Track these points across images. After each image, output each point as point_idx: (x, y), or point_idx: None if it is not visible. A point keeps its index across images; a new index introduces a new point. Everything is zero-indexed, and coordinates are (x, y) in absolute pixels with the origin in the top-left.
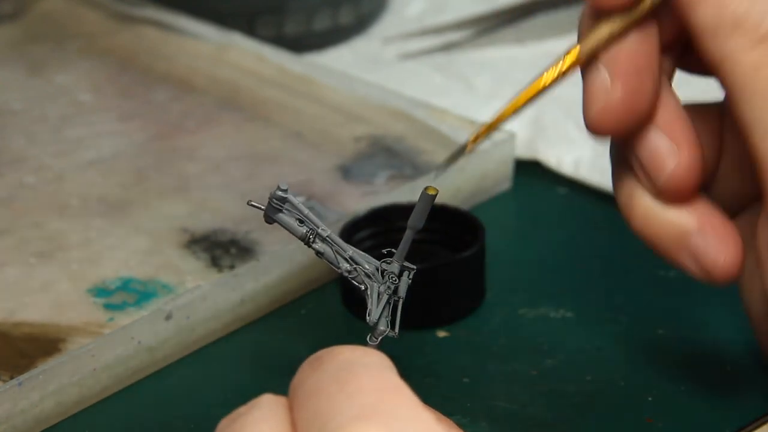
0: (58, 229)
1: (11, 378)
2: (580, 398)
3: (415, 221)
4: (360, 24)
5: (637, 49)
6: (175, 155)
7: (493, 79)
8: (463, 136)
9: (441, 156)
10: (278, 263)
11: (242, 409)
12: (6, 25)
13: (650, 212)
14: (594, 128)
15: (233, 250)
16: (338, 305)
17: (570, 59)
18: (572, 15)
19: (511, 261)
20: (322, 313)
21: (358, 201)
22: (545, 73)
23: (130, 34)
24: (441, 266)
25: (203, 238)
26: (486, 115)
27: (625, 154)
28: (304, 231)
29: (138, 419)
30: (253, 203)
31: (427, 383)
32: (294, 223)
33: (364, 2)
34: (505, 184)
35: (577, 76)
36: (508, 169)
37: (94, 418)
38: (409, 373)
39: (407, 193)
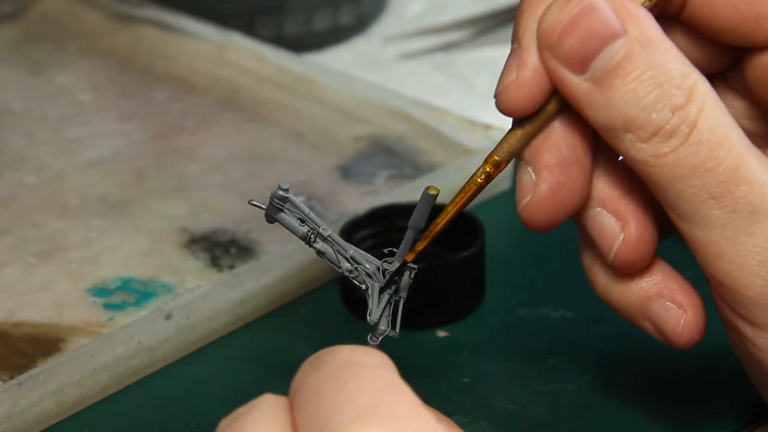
0: (58, 229)
1: (11, 378)
2: (580, 398)
3: (416, 221)
4: (360, 24)
5: (560, 142)
6: (175, 155)
7: (493, 79)
8: (463, 136)
9: (441, 156)
10: (278, 263)
11: (242, 409)
12: (6, 25)
13: (609, 282)
14: (525, 222)
15: (233, 250)
16: (338, 305)
17: (490, 165)
18: None
19: (511, 261)
20: (322, 313)
21: (358, 201)
22: (470, 181)
23: (130, 34)
24: (441, 266)
25: (203, 238)
26: (485, 115)
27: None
28: (305, 230)
29: (138, 419)
30: (254, 203)
31: (427, 383)
32: (295, 223)
33: (364, 2)
34: (505, 184)
35: None
36: (508, 169)
37: (94, 418)
38: (409, 373)
39: (407, 193)
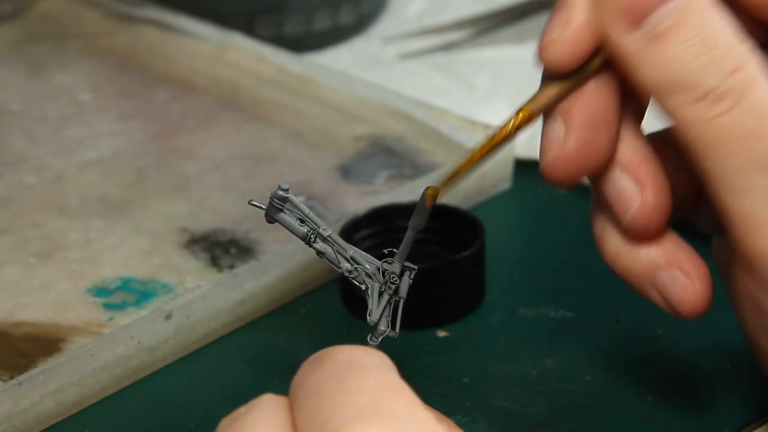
0: (58, 229)
1: (11, 378)
2: (580, 398)
3: (417, 222)
4: (360, 24)
5: (592, 100)
6: (175, 155)
7: (493, 79)
8: (463, 135)
9: (441, 156)
10: (278, 263)
11: (242, 409)
12: (6, 25)
13: (619, 248)
14: (548, 177)
15: (233, 250)
16: (338, 305)
17: (522, 116)
18: None
19: (511, 261)
20: (322, 313)
21: (358, 201)
22: (499, 130)
23: (130, 34)
24: (441, 266)
25: (203, 237)
26: (485, 115)
27: (595, 191)
28: (305, 231)
29: (138, 419)
30: (254, 203)
31: (427, 383)
32: (295, 223)
33: (364, 2)
34: (505, 184)
35: None
36: (508, 169)
37: (94, 417)
38: (409, 373)
39: (407, 192)
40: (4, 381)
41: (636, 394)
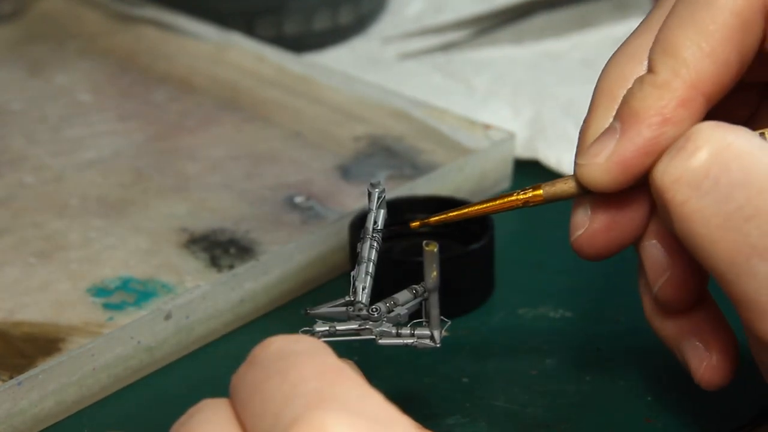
0: (58, 229)
1: (11, 378)
2: (580, 398)
3: (429, 281)
4: (360, 24)
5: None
6: (175, 155)
7: (493, 79)
8: (462, 135)
9: (440, 156)
10: (278, 263)
11: (183, 418)
12: (6, 25)
13: (652, 311)
14: (577, 252)
15: (232, 250)
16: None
17: (535, 194)
18: (571, 15)
19: (511, 261)
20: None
21: (358, 200)
22: (509, 196)
23: (130, 34)
24: (453, 258)
25: (202, 237)
26: (485, 115)
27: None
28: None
29: (138, 419)
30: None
31: (427, 383)
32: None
33: (364, 2)
34: (505, 184)
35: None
36: (508, 169)
37: (94, 417)
38: (410, 373)
39: (406, 192)
40: (4, 381)
41: (636, 394)
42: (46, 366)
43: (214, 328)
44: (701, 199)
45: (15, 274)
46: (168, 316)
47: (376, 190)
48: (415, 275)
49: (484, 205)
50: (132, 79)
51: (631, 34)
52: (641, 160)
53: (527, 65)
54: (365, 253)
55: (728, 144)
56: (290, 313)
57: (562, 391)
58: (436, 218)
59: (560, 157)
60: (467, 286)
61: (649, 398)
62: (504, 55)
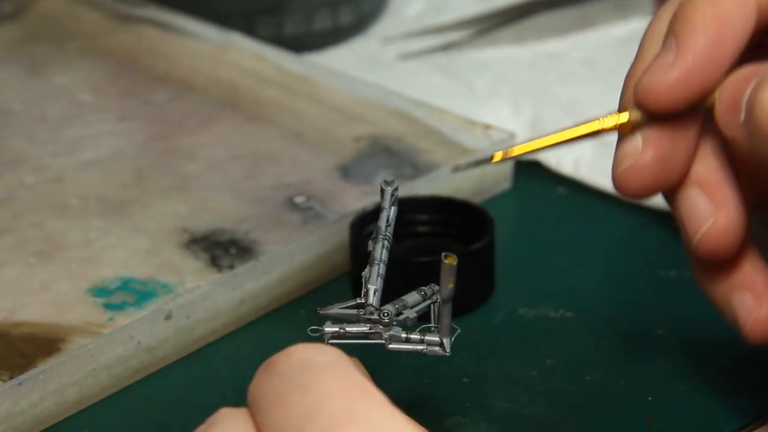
0: (58, 229)
1: (11, 378)
2: (580, 398)
3: (445, 292)
4: (360, 24)
5: (674, 117)
6: (175, 155)
7: (493, 79)
8: (462, 135)
9: (441, 156)
10: (278, 263)
11: (202, 428)
12: (6, 25)
13: (699, 267)
14: (619, 187)
15: (233, 250)
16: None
17: (621, 122)
18: (572, 15)
19: (510, 261)
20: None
21: (358, 201)
22: (599, 120)
23: (130, 34)
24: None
25: (203, 237)
26: (485, 115)
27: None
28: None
29: (138, 419)
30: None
31: (427, 383)
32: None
33: (364, 2)
34: (505, 184)
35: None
36: (508, 169)
37: (94, 418)
38: (410, 373)
39: (406, 192)
40: (4, 381)
41: (636, 394)
42: (46, 366)
43: (215, 328)
44: None
45: (15, 274)
46: (168, 317)
47: (389, 188)
48: (417, 275)
49: (566, 134)
50: (132, 79)
51: None
52: (703, 71)
53: (528, 65)
54: (377, 254)
55: None
56: (290, 313)
57: (562, 391)
58: (519, 152)
59: (561, 157)
60: (467, 286)
61: (649, 398)
62: (505, 55)
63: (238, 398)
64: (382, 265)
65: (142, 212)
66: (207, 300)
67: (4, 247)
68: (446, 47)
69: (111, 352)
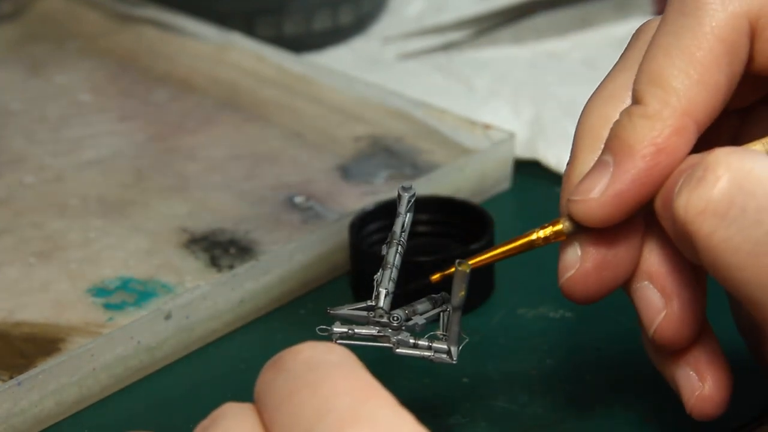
0: (58, 229)
1: (11, 378)
2: (580, 398)
3: (456, 299)
4: (360, 24)
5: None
6: (175, 155)
7: (493, 79)
8: (462, 135)
9: (440, 156)
10: (278, 263)
11: (206, 422)
12: (6, 25)
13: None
14: (566, 296)
15: (232, 250)
16: (338, 305)
17: (556, 231)
18: (572, 15)
19: (511, 261)
20: (322, 313)
21: (358, 201)
22: (535, 231)
23: (130, 34)
24: (454, 258)
25: (203, 237)
26: (485, 115)
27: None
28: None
29: (138, 419)
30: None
31: (427, 383)
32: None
33: (364, 2)
34: (505, 184)
35: None
36: (508, 169)
37: (94, 417)
38: (409, 373)
39: None
40: (4, 381)
41: (636, 394)
42: (46, 366)
43: (215, 328)
44: (728, 228)
45: (15, 274)
46: (168, 316)
47: (407, 194)
48: (416, 275)
49: (503, 250)
50: (132, 79)
51: (607, 76)
52: (637, 192)
53: (528, 65)
54: (391, 258)
55: (749, 169)
56: (290, 313)
57: (562, 391)
58: (451, 271)
59: (561, 157)
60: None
61: (649, 398)
62: (504, 55)
63: (238, 398)
64: (394, 269)
65: (142, 212)
66: (207, 300)
67: (4, 247)
68: (446, 47)
69: (111, 352)
